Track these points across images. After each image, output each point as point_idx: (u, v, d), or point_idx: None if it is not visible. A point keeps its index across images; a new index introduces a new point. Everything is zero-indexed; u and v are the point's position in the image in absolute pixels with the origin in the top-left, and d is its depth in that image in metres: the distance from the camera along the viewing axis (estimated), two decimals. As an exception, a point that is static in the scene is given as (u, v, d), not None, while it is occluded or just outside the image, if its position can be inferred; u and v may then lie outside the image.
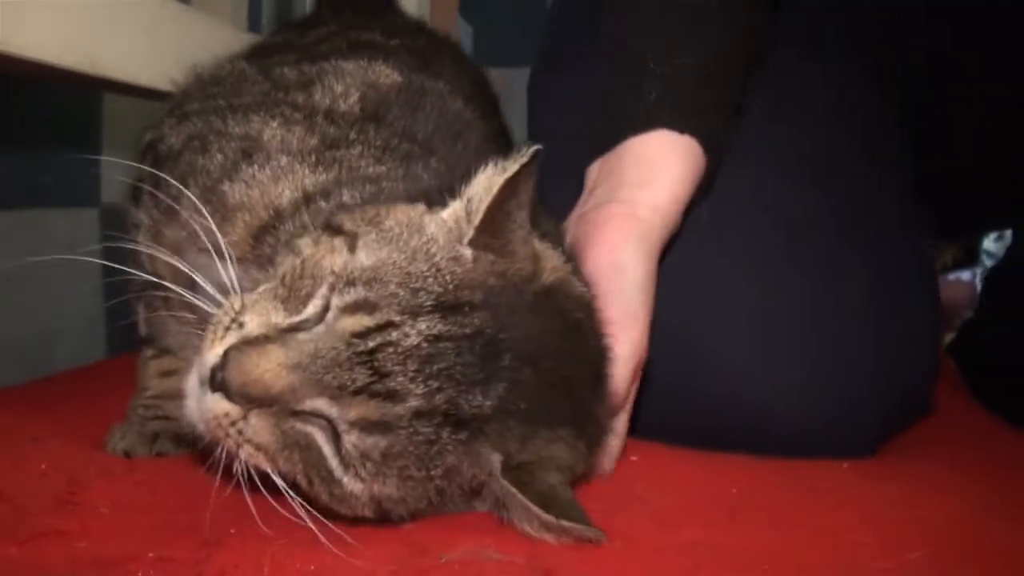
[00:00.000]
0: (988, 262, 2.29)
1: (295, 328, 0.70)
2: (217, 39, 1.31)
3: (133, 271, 0.92)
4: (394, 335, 0.68)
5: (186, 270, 0.80)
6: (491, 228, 0.74)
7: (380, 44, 1.17)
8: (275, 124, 0.90)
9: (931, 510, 0.87)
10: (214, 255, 0.78)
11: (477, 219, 0.74)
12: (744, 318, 1.07)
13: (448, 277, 0.72)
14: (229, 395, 0.69)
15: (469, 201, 0.75)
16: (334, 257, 0.72)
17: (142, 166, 0.96)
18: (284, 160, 0.86)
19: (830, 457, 1.03)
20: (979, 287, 2.09)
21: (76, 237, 1.57)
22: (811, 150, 1.19)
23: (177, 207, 0.87)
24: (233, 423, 0.70)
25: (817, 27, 1.30)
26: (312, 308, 0.71)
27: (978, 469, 1.06)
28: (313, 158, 0.86)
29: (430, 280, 0.71)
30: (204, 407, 0.71)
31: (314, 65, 1.02)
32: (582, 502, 0.75)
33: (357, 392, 0.68)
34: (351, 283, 0.70)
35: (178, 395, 0.93)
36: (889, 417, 1.11)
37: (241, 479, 0.73)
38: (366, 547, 0.71)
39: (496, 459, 0.73)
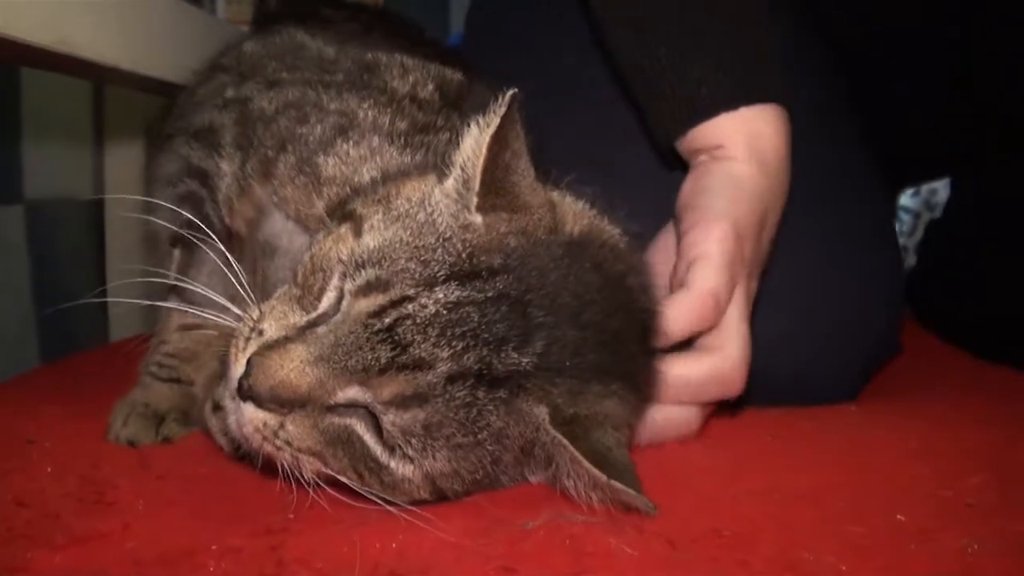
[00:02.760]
0: (905, 216, 2.37)
1: (313, 324, 0.69)
2: (190, 22, 1.27)
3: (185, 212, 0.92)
4: (410, 308, 0.66)
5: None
6: (493, 187, 0.72)
7: (408, 46, 1.13)
8: (366, 105, 0.90)
9: (969, 440, 0.88)
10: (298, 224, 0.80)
11: (476, 183, 0.71)
12: None
13: (460, 246, 0.69)
14: (260, 402, 0.67)
15: (463, 168, 0.73)
16: (340, 246, 0.71)
17: (220, 122, 0.94)
18: (376, 140, 0.86)
19: (819, 402, 1.05)
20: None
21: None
22: None
23: (273, 169, 0.87)
24: (275, 432, 0.68)
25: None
26: (327, 301, 0.70)
27: (974, 396, 1.10)
28: (402, 140, 0.87)
29: (439, 251, 0.69)
30: (241, 420, 0.69)
31: (369, 51, 1.00)
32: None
33: (383, 369, 0.66)
34: (360, 266, 0.69)
35: (194, 357, 0.93)
36: (869, 358, 1.15)
37: (287, 474, 0.70)
38: (442, 521, 0.67)
39: (542, 411, 0.69)
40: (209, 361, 0.93)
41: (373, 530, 0.66)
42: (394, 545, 0.64)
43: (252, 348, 0.69)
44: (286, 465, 0.69)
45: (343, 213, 0.76)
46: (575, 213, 0.78)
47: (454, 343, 0.66)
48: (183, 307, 0.87)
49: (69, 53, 0.97)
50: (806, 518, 0.70)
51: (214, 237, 0.86)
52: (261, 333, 0.70)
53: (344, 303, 0.68)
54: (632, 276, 0.79)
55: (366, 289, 0.67)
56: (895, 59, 1.39)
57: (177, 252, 0.99)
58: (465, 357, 0.66)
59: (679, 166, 0.99)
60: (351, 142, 0.86)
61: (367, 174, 0.84)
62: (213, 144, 0.93)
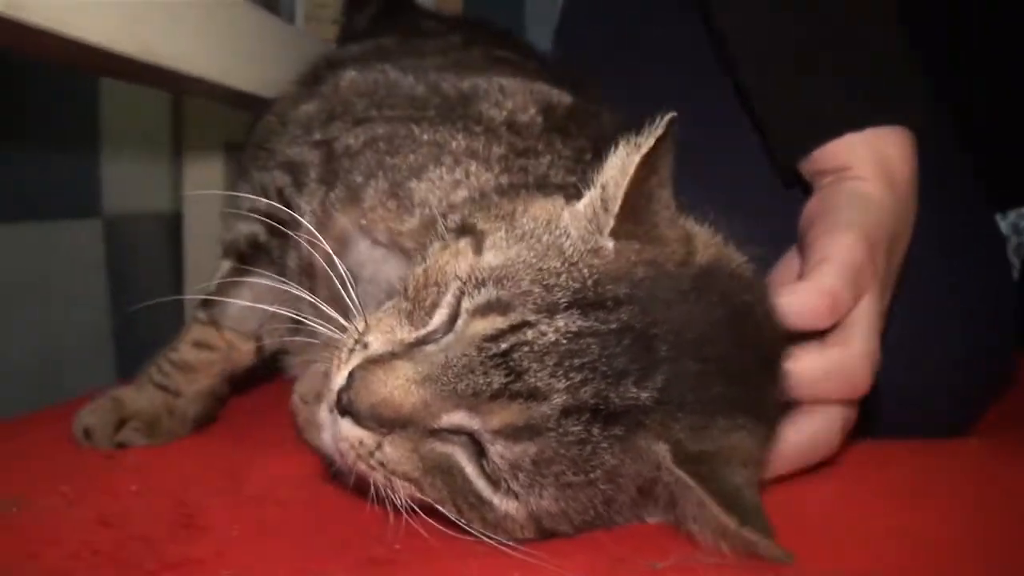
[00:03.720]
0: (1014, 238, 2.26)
1: (422, 341, 0.66)
2: (270, 33, 1.25)
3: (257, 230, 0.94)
4: (529, 334, 0.62)
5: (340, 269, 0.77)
6: (633, 214, 0.67)
7: (514, 61, 1.12)
8: (460, 136, 0.87)
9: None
10: (390, 248, 0.78)
11: (615, 206, 0.67)
12: None
13: (586, 272, 0.65)
14: (359, 419, 0.63)
15: (603, 188, 0.68)
16: (458, 261, 0.67)
17: (305, 161, 0.93)
18: (473, 165, 0.84)
19: (935, 434, 0.98)
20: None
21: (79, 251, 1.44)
22: None
23: (361, 194, 0.85)
24: (371, 453, 0.64)
25: None
26: (439, 318, 0.66)
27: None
28: (500, 165, 0.84)
29: (564, 276, 0.65)
30: (337, 435, 0.65)
31: (465, 80, 0.97)
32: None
33: (495, 396, 0.61)
34: (480, 284, 0.65)
35: (191, 371, 0.93)
36: (988, 387, 1.09)
37: (379, 497, 0.65)
38: (557, 558, 0.62)
39: (663, 449, 0.64)
40: (204, 378, 0.94)
41: (483, 565, 0.62)
42: (509, 582, 0.59)
43: (355, 360, 0.65)
44: (379, 487, 0.65)
45: (461, 227, 0.72)
46: (704, 242, 0.73)
47: (571, 375, 0.61)
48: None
49: (151, 62, 0.94)
50: (947, 567, 0.64)
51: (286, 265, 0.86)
52: (366, 346, 0.66)
53: (459, 322, 0.64)
54: (759, 306, 0.74)
55: (485, 309, 0.63)
56: (989, 83, 1.33)
57: (227, 265, 0.97)
58: (582, 390, 0.61)
59: (798, 187, 0.94)
60: (443, 167, 0.84)
61: (460, 196, 0.82)
62: (298, 179, 0.92)
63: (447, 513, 0.65)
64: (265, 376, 1.05)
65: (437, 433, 0.64)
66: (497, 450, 0.62)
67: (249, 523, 0.68)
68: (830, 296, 0.76)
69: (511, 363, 0.61)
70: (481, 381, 0.61)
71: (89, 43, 0.84)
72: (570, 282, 0.64)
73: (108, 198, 1.50)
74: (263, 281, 0.92)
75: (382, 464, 0.64)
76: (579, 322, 0.62)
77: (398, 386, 0.62)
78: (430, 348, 0.64)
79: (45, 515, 0.69)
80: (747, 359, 0.69)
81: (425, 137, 0.87)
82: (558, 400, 0.61)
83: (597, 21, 1.40)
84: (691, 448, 0.64)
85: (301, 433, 0.87)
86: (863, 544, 0.68)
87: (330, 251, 0.81)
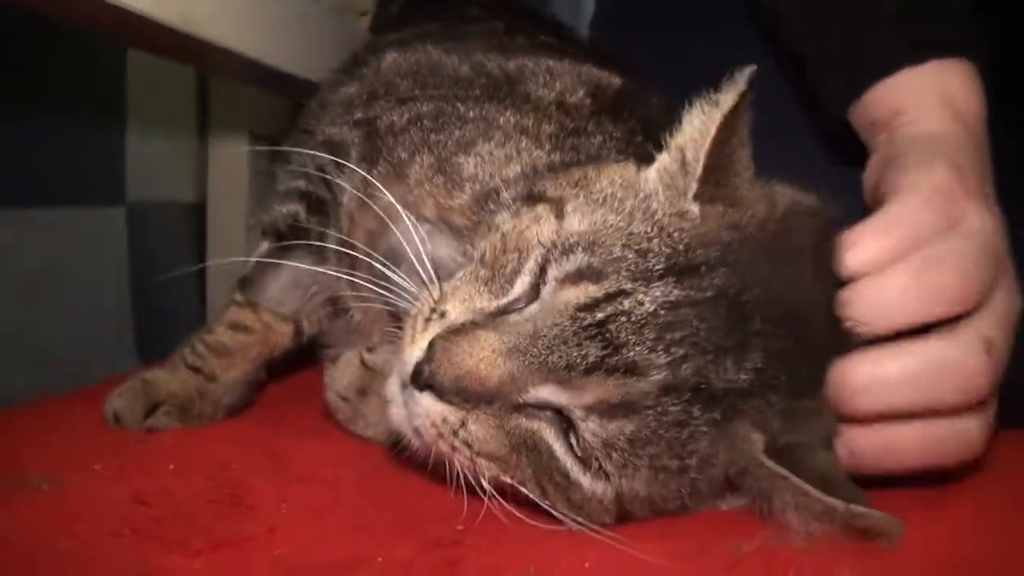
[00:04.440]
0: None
1: (504, 310, 0.61)
2: (307, 14, 1.21)
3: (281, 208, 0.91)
4: (627, 304, 0.58)
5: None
6: (715, 175, 0.63)
7: (558, 47, 1.07)
8: (508, 113, 0.83)
9: None
10: (436, 224, 0.74)
11: (697, 168, 0.63)
12: None
13: (676, 236, 0.61)
14: (441, 393, 0.59)
15: (681, 150, 0.65)
16: (540, 226, 0.63)
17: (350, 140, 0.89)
18: (524, 141, 0.79)
19: None
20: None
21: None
22: None
23: (407, 170, 0.81)
24: (454, 431, 0.60)
25: None
26: (520, 286, 0.62)
27: None
28: (551, 143, 0.79)
29: (656, 241, 0.60)
30: (415, 411, 0.61)
31: (511, 61, 0.92)
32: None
33: (590, 370, 0.57)
34: (568, 250, 0.60)
35: (227, 354, 0.88)
36: None
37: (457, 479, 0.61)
38: (636, 541, 0.57)
39: (758, 439, 0.60)
40: (241, 363, 0.88)
41: (558, 548, 0.58)
42: (586, 565, 0.55)
43: (435, 330, 0.60)
44: (461, 469, 0.60)
45: (530, 195, 0.68)
46: (783, 202, 0.68)
47: (672, 349, 0.57)
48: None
49: (192, 33, 0.91)
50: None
51: (324, 243, 0.83)
52: (443, 315, 0.62)
53: (545, 290, 0.60)
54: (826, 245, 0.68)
55: (575, 277, 0.59)
56: None
57: (266, 245, 0.93)
58: (683, 367, 0.57)
59: (850, 155, 0.86)
60: (493, 142, 0.80)
61: (512, 171, 0.77)
62: (339, 157, 0.88)
63: (529, 493, 0.61)
64: (300, 364, 1.00)
65: (522, 408, 0.60)
66: (590, 427, 0.58)
67: (298, 502, 0.64)
68: (909, 222, 0.65)
69: (607, 334, 0.57)
70: (575, 353, 0.57)
71: (131, 8, 0.82)
72: (662, 247, 0.60)
73: (132, 186, 1.46)
74: (302, 264, 0.87)
75: (467, 444, 0.60)
76: (675, 291, 0.58)
77: (484, 357, 0.58)
78: (514, 318, 0.60)
79: (77, 493, 0.64)
80: (823, 333, 0.64)
81: (472, 114, 0.83)
82: (658, 377, 0.57)
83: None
84: (784, 439, 0.60)
85: (347, 426, 0.82)
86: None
87: (374, 228, 0.77)
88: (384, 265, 0.72)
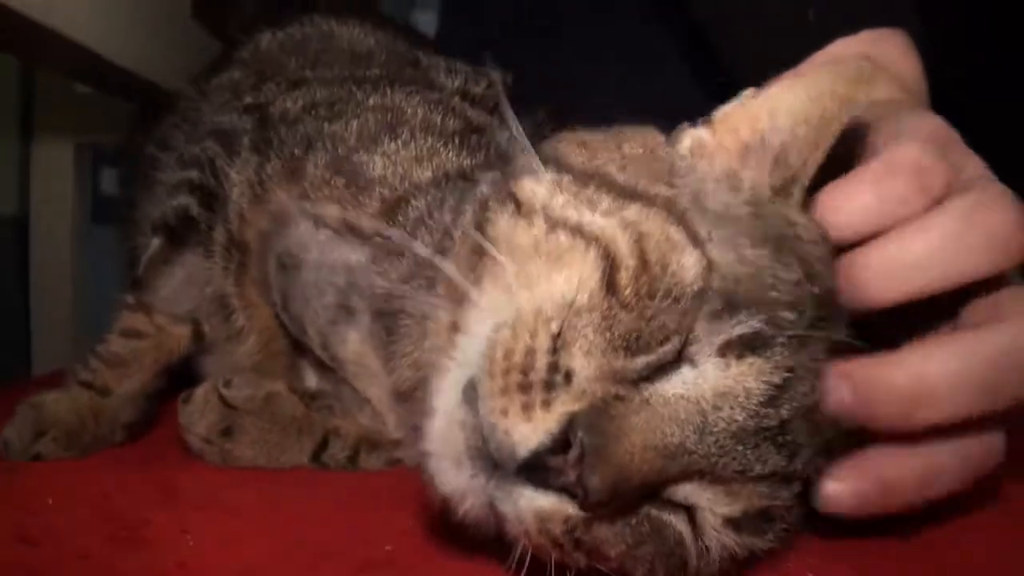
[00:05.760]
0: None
1: (646, 376, 0.47)
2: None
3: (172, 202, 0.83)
4: (799, 390, 0.46)
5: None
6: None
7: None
8: (415, 101, 0.78)
9: None
10: (339, 230, 0.69)
11: (805, 175, 0.52)
12: None
13: (816, 268, 0.49)
14: (586, 496, 0.44)
15: (774, 151, 0.53)
16: (680, 255, 0.48)
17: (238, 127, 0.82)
18: (429, 141, 0.75)
19: None
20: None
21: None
22: None
23: (301, 169, 0.75)
24: (574, 537, 0.47)
25: None
26: (669, 344, 0.47)
27: None
28: (457, 141, 0.75)
29: (805, 285, 0.48)
30: (515, 514, 0.47)
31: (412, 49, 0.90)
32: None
33: (759, 479, 0.47)
34: (734, 308, 0.46)
35: (122, 365, 0.79)
36: None
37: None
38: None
39: None
40: (136, 373, 0.79)
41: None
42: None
43: (566, 403, 0.45)
44: (550, 560, 0.48)
45: (596, 181, 0.53)
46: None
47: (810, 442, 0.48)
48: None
49: (52, 27, 0.85)
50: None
51: (212, 240, 0.77)
52: (568, 377, 0.45)
53: (703, 359, 0.47)
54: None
55: (745, 348, 0.46)
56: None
57: (156, 242, 0.84)
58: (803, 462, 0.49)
59: None
60: (399, 141, 0.75)
61: (426, 175, 0.73)
62: (229, 147, 0.81)
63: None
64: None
65: (653, 500, 0.48)
66: (715, 536, 0.48)
67: (203, 533, 0.59)
68: (911, 167, 0.52)
69: (788, 436, 0.46)
70: (751, 457, 0.46)
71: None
72: (809, 290, 0.48)
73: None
74: (196, 259, 0.81)
75: (583, 546, 0.47)
76: (819, 352, 0.48)
77: (637, 454, 0.44)
78: (666, 390, 0.46)
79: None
80: None
81: (372, 101, 0.79)
82: (798, 482, 0.48)
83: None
84: None
85: (222, 464, 0.74)
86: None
87: (267, 228, 0.73)
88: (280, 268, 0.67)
